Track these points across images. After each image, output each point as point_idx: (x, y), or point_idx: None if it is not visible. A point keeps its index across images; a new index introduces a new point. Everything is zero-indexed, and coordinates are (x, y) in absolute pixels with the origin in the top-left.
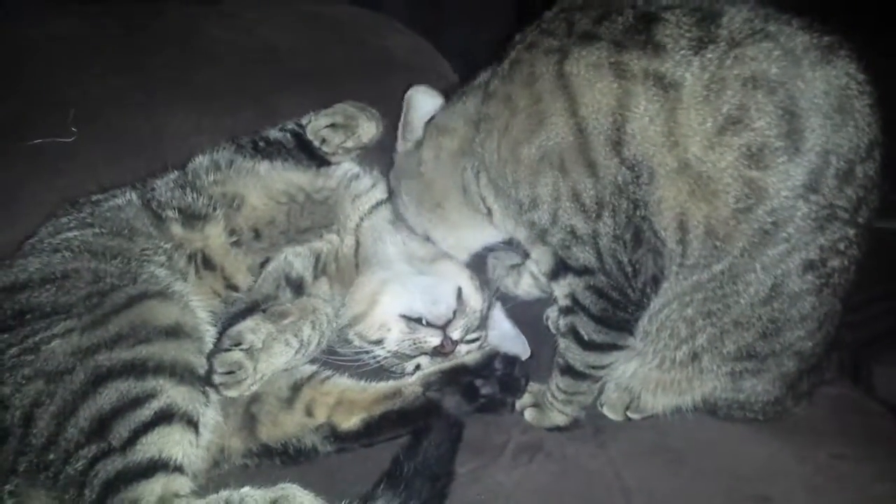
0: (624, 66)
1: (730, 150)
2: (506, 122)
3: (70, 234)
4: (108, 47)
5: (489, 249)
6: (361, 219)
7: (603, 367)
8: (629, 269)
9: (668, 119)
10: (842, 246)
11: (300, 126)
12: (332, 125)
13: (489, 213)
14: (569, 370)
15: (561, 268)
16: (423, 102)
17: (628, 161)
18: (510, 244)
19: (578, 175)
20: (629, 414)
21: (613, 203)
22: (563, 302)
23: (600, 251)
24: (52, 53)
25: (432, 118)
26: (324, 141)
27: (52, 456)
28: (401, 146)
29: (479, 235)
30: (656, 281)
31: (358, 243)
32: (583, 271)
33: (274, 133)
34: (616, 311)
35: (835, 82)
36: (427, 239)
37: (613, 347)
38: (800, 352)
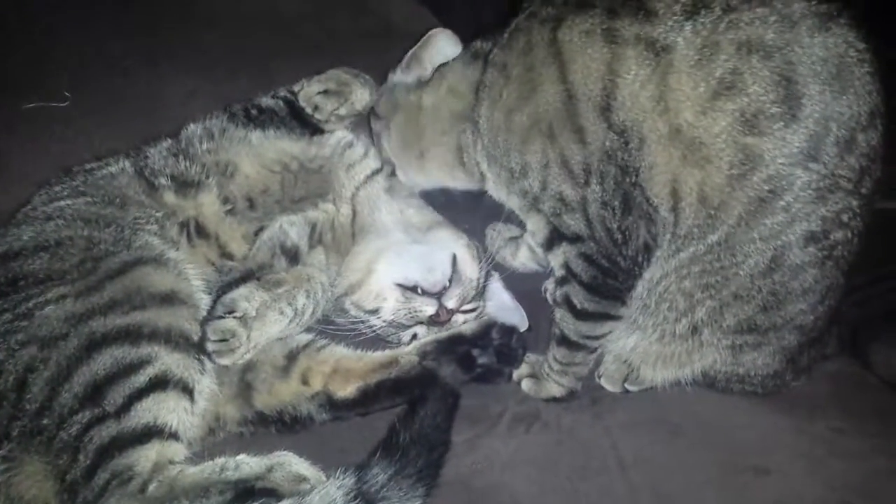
0: (615, 31)
1: (723, 115)
2: (500, 90)
3: (63, 203)
4: (108, 10)
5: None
6: (357, 188)
7: (597, 338)
8: (619, 236)
9: (659, 84)
10: (845, 217)
11: (292, 93)
12: (325, 92)
13: (482, 178)
14: (564, 340)
15: (555, 237)
16: (443, 47)
17: (617, 126)
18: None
19: (566, 141)
20: (627, 386)
21: (601, 169)
22: (559, 272)
23: (589, 218)
24: (50, 17)
25: (444, 66)
26: (316, 108)
27: (45, 421)
28: (399, 75)
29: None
30: (648, 249)
31: (354, 212)
32: (574, 239)
33: (266, 101)
34: (606, 279)
35: (833, 49)
36: (394, 168)
37: (606, 317)
38: (801, 326)
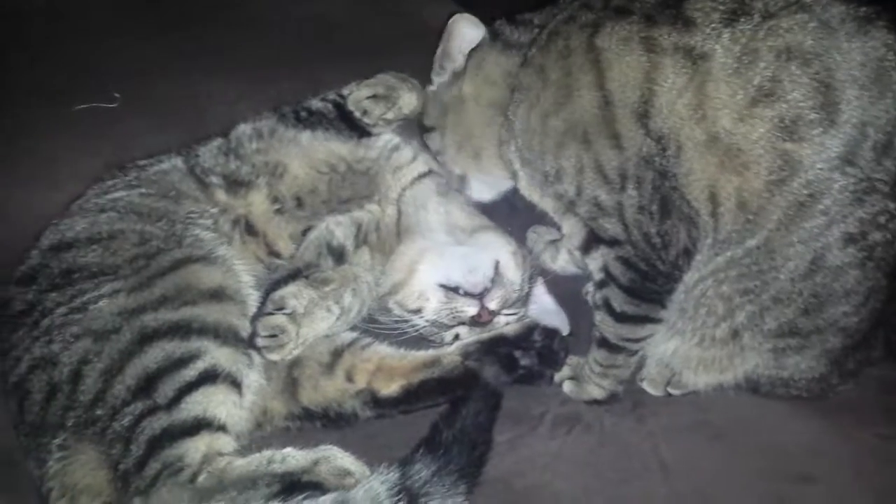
0: (653, 40)
1: (762, 122)
2: (537, 94)
3: (117, 195)
4: (156, 14)
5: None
6: (403, 189)
7: (637, 340)
8: (657, 240)
9: (696, 92)
10: (882, 219)
11: (341, 97)
12: (374, 96)
13: (514, 176)
14: (604, 343)
15: (592, 240)
16: (466, 32)
17: (654, 133)
18: None
19: (602, 147)
20: (669, 390)
21: (638, 175)
22: (597, 275)
23: (626, 222)
24: (99, 20)
25: (475, 51)
26: (365, 112)
27: (99, 412)
28: (436, 77)
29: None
30: (688, 253)
31: (400, 213)
32: (612, 242)
33: (316, 103)
34: (645, 282)
35: (872, 53)
36: (463, 180)
37: (646, 320)
38: (845, 328)
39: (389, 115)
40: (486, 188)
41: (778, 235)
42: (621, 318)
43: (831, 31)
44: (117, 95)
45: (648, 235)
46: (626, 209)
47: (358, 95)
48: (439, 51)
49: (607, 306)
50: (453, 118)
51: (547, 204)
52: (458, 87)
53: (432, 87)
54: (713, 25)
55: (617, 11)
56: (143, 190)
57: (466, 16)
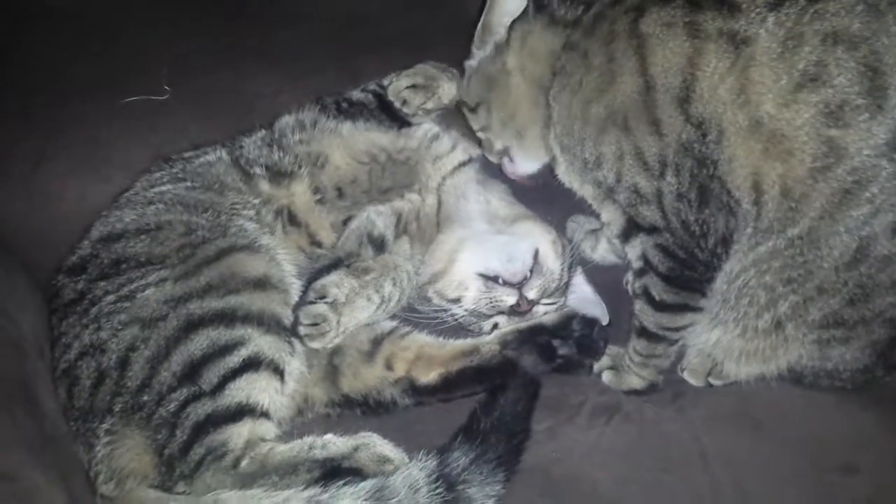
0: (698, 25)
1: (806, 107)
2: (580, 79)
3: (164, 188)
4: (199, 7)
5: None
6: (444, 178)
7: (677, 329)
8: (696, 228)
9: (739, 76)
10: None
11: (381, 87)
12: (413, 86)
13: (554, 161)
14: (644, 332)
15: (632, 227)
16: (507, 3)
17: (695, 119)
18: None
19: (642, 133)
20: (710, 380)
21: (677, 161)
22: (637, 264)
23: (665, 210)
24: (144, 13)
25: (518, 23)
26: (404, 102)
27: (145, 398)
28: (477, 51)
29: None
30: (727, 242)
31: (440, 202)
32: (651, 230)
33: (356, 94)
34: (684, 270)
35: None
36: (506, 153)
37: (685, 308)
38: (892, 319)
39: (429, 105)
40: (530, 159)
41: (823, 224)
42: (661, 306)
43: (879, 15)
44: (168, 88)
45: (687, 223)
46: (665, 196)
47: (398, 85)
48: (480, 24)
49: (646, 295)
50: (497, 93)
51: (586, 191)
52: (502, 60)
53: (472, 62)
54: (758, 10)
55: None
56: (188, 183)
57: None
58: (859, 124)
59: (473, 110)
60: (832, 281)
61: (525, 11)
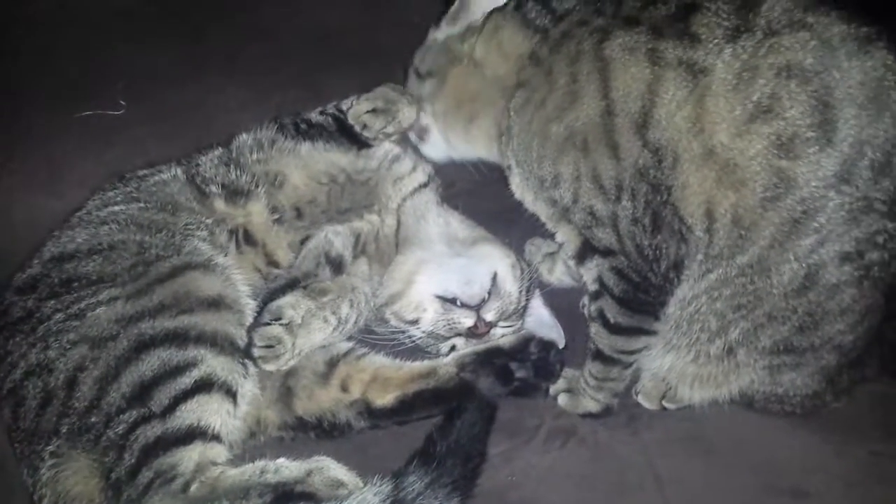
0: (659, 52)
1: (759, 138)
2: (543, 97)
3: (117, 208)
4: (164, 22)
5: None
6: (404, 199)
7: (631, 353)
8: (649, 252)
9: (696, 105)
10: (880, 239)
11: (340, 111)
12: (373, 110)
13: (508, 172)
14: (599, 355)
15: (587, 249)
16: None
17: (651, 145)
18: None
19: (600, 156)
20: (664, 403)
21: (633, 186)
22: (592, 287)
23: (620, 234)
24: (109, 26)
25: (497, 15)
26: (364, 126)
27: (93, 419)
28: (447, 26)
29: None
30: (678, 268)
31: (399, 223)
32: (606, 252)
33: (315, 116)
34: (637, 293)
35: (871, 73)
36: (424, 132)
37: (640, 331)
38: (840, 346)
39: (389, 129)
40: (440, 149)
41: (772, 253)
42: (615, 329)
43: (832, 50)
44: (123, 103)
45: (641, 248)
46: (621, 220)
47: (357, 110)
48: (457, 3)
49: (602, 317)
50: (458, 74)
51: (540, 208)
52: (471, 44)
53: (439, 34)
54: (716, 41)
55: (626, 21)
56: (141, 203)
57: None
58: (809, 156)
59: (422, 77)
60: (782, 308)
61: (506, 5)
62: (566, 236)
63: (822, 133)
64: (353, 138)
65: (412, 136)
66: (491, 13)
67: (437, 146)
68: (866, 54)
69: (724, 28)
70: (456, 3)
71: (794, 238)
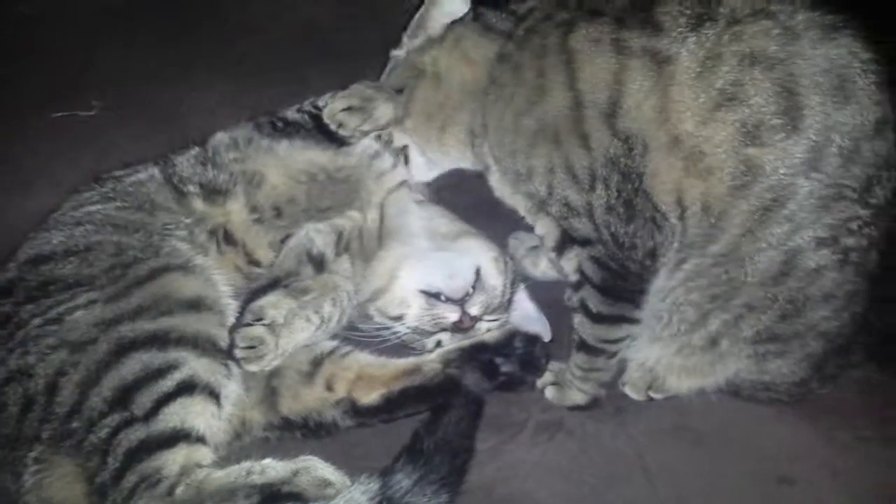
0: (623, 42)
1: (724, 126)
2: (512, 92)
3: (93, 208)
4: (151, 20)
5: None
6: (388, 193)
7: (615, 342)
8: (625, 240)
9: (661, 95)
10: (854, 225)
11: (317, 108)
12: (349, 108)
13: (487, 170)
14: (583, 346)
15: (566, 239)
16: (450, 4)
17: (621, 134)
18: None
19: (571, 147)
20: (651, 394)
21: (605, 175)
22: (573, 277)
23: (596, 223)
24: (95, 25)
25: (455, 26)
26: (340, 125)
27: (75, 424)
28: (408, 41)
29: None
30: (654, 255)
31: (382, 217)
32: (585, 242)
33: (292, 114)
34: (617, 280)
35: (836, 60)
36: (423, 153)
37: (621, 319)
38: (825, 332)
39: (366, 127)
40: (423, 168)
41: (745, 241)
42: (598, 318)
43: (795, 37)
44: (95, 104)
45: (616, 236)
46: (596, 209)
47: (333, 108)
48: (418, 15)
49: (584, 308)
50: (423, 87)
51: (518, 202)
52: (433, 55)
53: (400, 52)
54: (679, 30)
55: (590, 13)
56: (118, 203)
57: None
58: (776, 143)
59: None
60: (760, 297)
61: (465, 17)
62: (545, 228)
63: (788, 120)
64: (331, 136)
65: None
66: (450, 25)
67: (420, 166)
68: (832, 41)
69: (686, 17)
70: (414, 18)
71: (765, 226)
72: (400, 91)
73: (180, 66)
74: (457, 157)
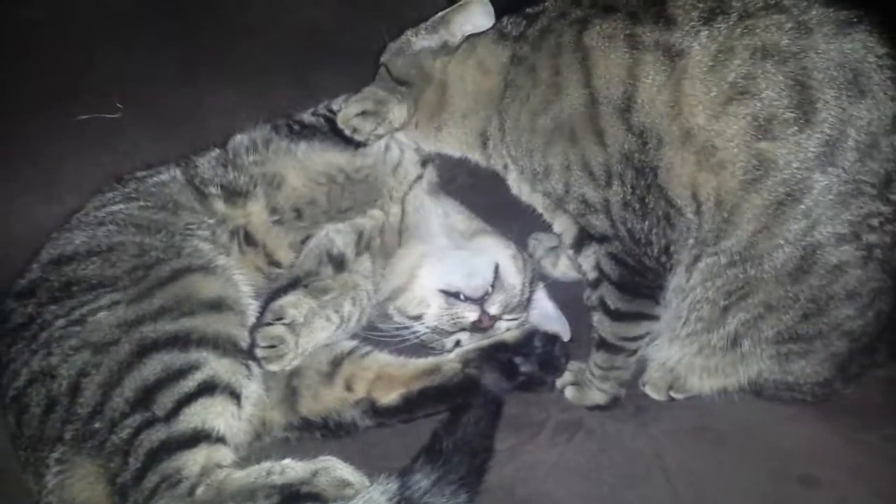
0: (637, 37)
1: (736, 119)
2: (528, 92)
3: (115, 208)
4: (156, 23)
5: None
6: (409, 187)
7: (634, 339)
8: (641, 236)
9: (674, 89)
10: (874, 222)
11: (331, 112)
12: (363, 113)
13: (505, 170)
14: (603, 344)
15: (584, 237)
16: (477, 16)
17: (635, 128)
18: None
19: (587, 144)
20: (672, 394)
21: (621, 171)
22: (591, 275)
23: (613, 219)
24: (101, 29)
25: (474, 37)
26: (355, 130)
27: (97, 425)
28: (423, 37)
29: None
30: (668, 251)
31: (404, 212)
32: (602, 239)
33: (307, 117)
34: (634, 277)
35: (851, 55)
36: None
37: (641, 316)
38: (850, 331)
39: (380, 131)
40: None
41: (761, 238)
42: (616, 315)
43: (808, 32)
44: (120, 106)
45: (633, 231)
46: (613, 205)
47: (347, 113)
48: (440, 14)
49: (603, 305)
50: (433, 89)
51: (536, 201)
52: (444, 63)
53: (415, 39)
54: (692, 24)
55: (604, 9)
56: (141, 202)
57: (486, 1)
58: (788, 137)
59: (394, 81)
60: (781, 297)
61: (484, 32)
62: (563, 226)
63: (800, 114)
64: (347, 138)
65: None
66: (468, 37)
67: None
68: (846, 36)
69: (699, 10)
70: (438, 16)
71: (781, 221)
72: (403, 84)
73: (187, 71)
74: (453, 151)
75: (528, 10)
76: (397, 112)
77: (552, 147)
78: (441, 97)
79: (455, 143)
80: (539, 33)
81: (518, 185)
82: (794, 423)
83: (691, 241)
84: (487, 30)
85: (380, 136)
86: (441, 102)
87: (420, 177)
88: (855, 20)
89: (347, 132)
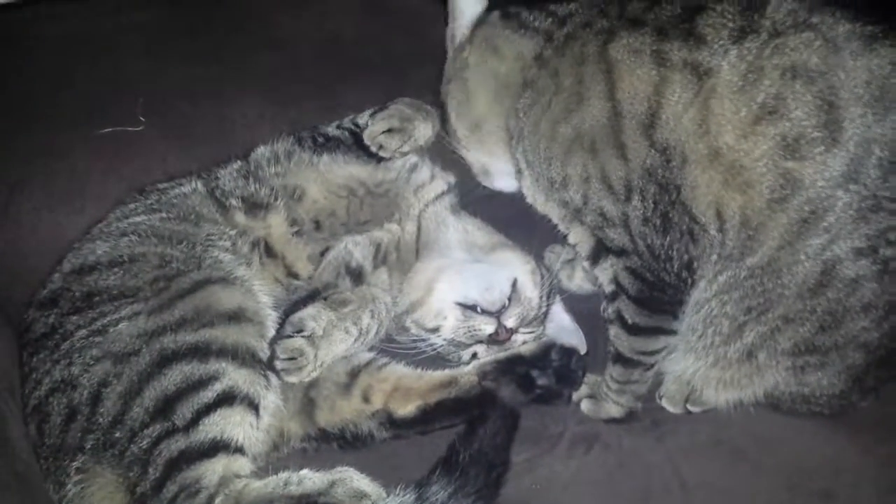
0: (664, 54)
1: (764, 139)
2: (549, 98)
3: (138, 219)
4: (179, 36)
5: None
6: (426, 206)
7: (651, 353)
8: (661, 252)
9: (701, 107)
10: (892, 236)
11: (356, 125)
12: (389, 130)
13: (520, 174)
14: (619, 358)
15: (601, 249)
16: (465, 6)
17: (659, 145)
18: None
19: (608, 157)
20: (689, 407)
21: (642, 187)
22: (608, 288)
23: (632, 234)
24: (124, 43)
25: (483, 25)
26: (381, 147)
27: (117, 434)
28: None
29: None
30: (690, 267)
31: (419, 229)
32: (620, 252)
33: (332, 130)
34: (653, 292)
35: (877, 71)
36: (487, 173)
37: (658, 331)
38: (866, 344)
39: (406, 148)
40: (509, 177)
41: (783, 254)
42: (634, 330)
43: (837, 50)
44: (143, 119)
45: (653, 247)
46: (632, 220)
47: (373, 131)
48: (448, 33)
49: (620, 319)
50: (456, 84)
51: (552, 210)
52: (463, 57)
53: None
54: (721, 42)
55: (632, 22)
56: (163, 214)
57: None
58: (815, 157)
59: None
60: (798, 310)
61: (492, 18)
62: (579, 237)
63: (827, 133)
64: (370, 152)
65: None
66: (477, 24)
67: (501, 174)
68: (872, 52)
69: (729, 29)
70: (448, 33)
71: (803, 238)
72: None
73: (210, 82)
74: (500, 156)
75: (552, 7)
76: (423, 129)
77: (571, 157)
78: (467, 89)
79: (496, 143)
80: (564, 38)
81: (533, 193)
82: (812, 437)
83: (714, 256)
84: (505, 21)
85: (405, 154)
86: (469, 95)
87: (442, 194)
88: (881, 35)
89: (374, 149)
